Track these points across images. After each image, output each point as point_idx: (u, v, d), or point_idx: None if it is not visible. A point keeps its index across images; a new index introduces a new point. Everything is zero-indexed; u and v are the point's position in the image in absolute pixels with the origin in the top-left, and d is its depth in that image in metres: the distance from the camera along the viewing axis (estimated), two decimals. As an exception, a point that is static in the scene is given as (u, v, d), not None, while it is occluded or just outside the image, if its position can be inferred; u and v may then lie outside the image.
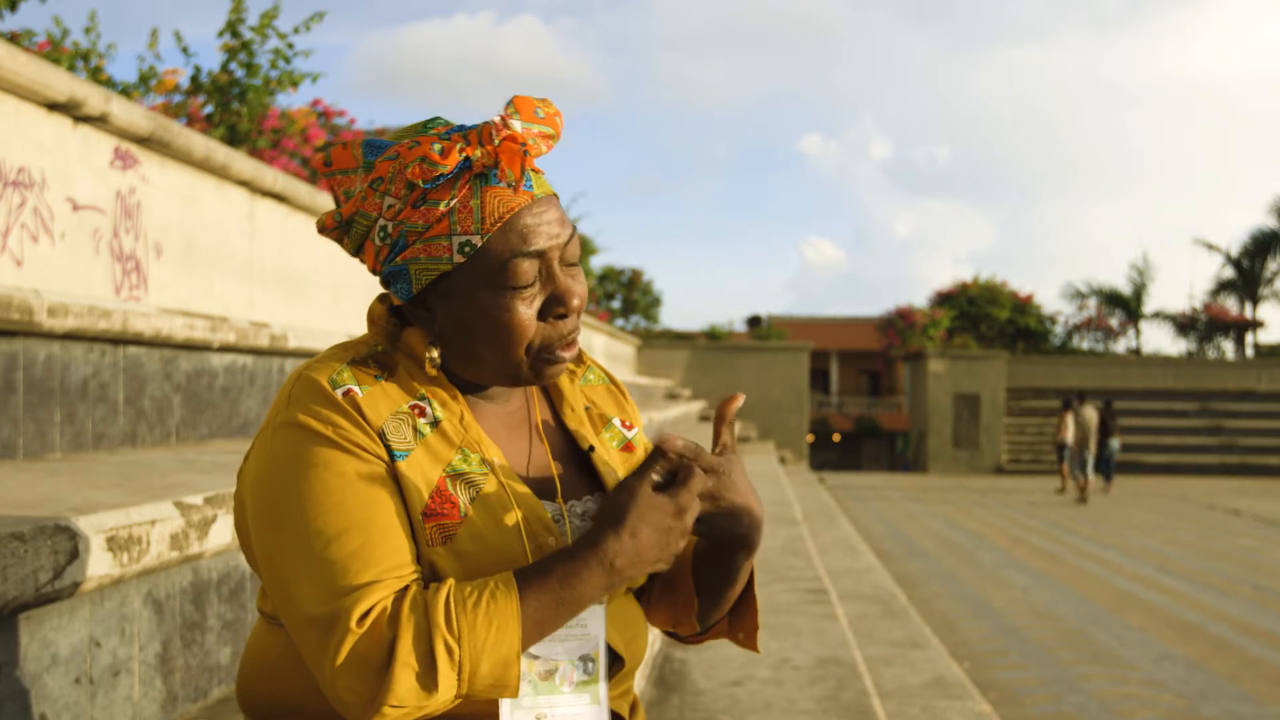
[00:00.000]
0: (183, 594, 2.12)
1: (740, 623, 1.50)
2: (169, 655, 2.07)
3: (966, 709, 4.23)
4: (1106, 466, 20.71)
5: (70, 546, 1.66)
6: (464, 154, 1.24)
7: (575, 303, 1.31)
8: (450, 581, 1.21)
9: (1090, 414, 20.24)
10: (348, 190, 1.33)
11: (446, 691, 1.17)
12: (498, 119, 1.27)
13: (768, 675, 3.66)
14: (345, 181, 1.33)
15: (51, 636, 1.70)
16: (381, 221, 1.28)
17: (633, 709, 1.42)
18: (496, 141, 1.24)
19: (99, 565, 1.74)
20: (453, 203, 1.25)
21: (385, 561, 1.21)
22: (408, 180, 1.25)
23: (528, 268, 1.27)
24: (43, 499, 2.01)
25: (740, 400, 1.34)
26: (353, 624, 1.17)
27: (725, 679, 3.58)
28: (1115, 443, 20.90)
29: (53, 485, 2.27)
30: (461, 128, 1.28)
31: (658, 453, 1.24)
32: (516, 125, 1.27)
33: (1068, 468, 20.54)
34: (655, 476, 1.25)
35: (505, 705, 1.26)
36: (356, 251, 1.34)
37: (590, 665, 1.31)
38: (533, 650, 1.27)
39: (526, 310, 1.28)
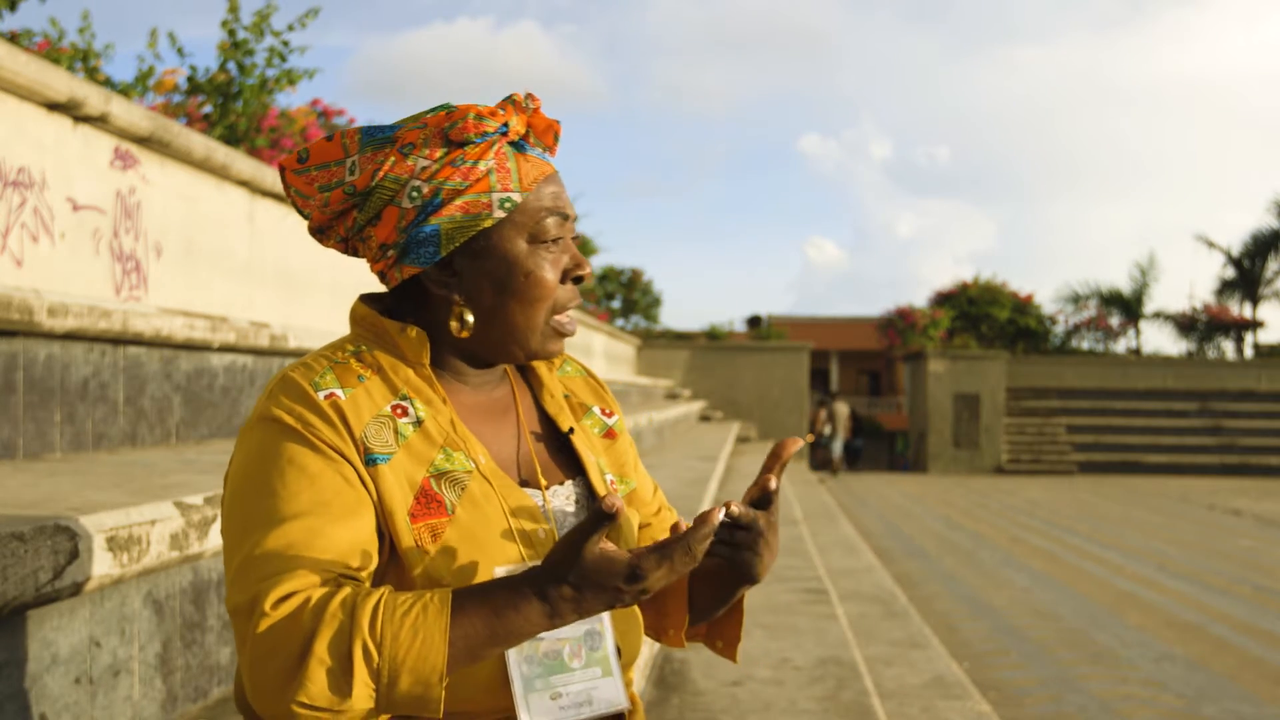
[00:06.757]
0: (183, 594, 2.12)
1: (721, 632, 1.51)
2: (169, 655, 2.07)
3: (966, 709, 4.22)
4: (853, 453, 25.60)
5: (70, 546, 1.66)
6: (504, 120, 1.31)
7: (588, 269, 1.39)
8: (386, 588, 1.17)
9: (841, 408, 25.25)
10: (326, 184, 1.32)
11: (361, 700, 1.12)
12: (522, 95, 1.34)
13: (768, 675, 3.66)
14: (324, 176, 1.32)
15: (51, 636, 1.70)
16: (415, 183, 1.29)
17: (632, 708, 1.42)
18: (530, 111, 1.34)
19: (99, 565, 1.74)
20: (490, 163, 1.30)
21: (323, 555, 1.18)
22: (448, 140, 1.29)
23: (559, 226, 1.34)
24: (43, 499, 2.01)
25: (799, 445, 1.31)
26: (267, 607, 1.14)
27: (725, 679, 3.57)
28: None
29: (53, 485, 2.27)
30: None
31: (601, 514, 1.12)
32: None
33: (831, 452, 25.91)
34: (602, 537, 1.14)
35: (518, 689, 1.25)
36: (360, 229, 1.33)
37: (596, 639, 1.31)
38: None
39: (554, 269, 1.34)
